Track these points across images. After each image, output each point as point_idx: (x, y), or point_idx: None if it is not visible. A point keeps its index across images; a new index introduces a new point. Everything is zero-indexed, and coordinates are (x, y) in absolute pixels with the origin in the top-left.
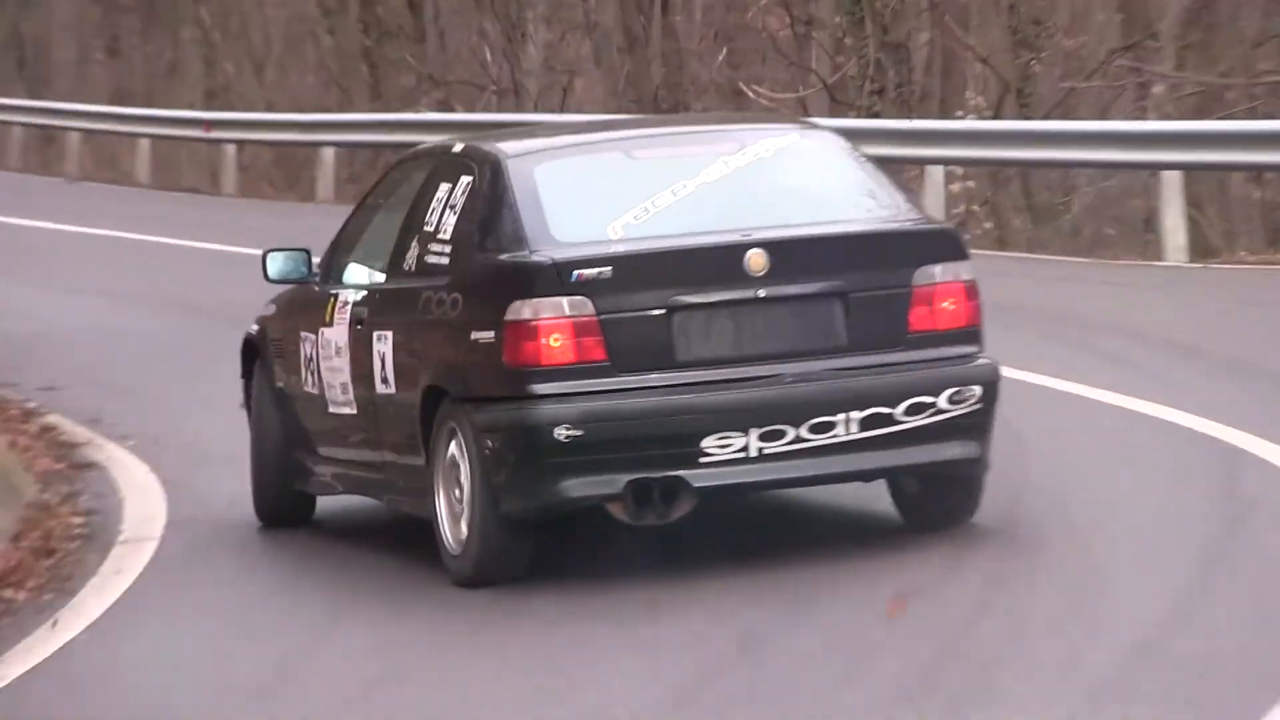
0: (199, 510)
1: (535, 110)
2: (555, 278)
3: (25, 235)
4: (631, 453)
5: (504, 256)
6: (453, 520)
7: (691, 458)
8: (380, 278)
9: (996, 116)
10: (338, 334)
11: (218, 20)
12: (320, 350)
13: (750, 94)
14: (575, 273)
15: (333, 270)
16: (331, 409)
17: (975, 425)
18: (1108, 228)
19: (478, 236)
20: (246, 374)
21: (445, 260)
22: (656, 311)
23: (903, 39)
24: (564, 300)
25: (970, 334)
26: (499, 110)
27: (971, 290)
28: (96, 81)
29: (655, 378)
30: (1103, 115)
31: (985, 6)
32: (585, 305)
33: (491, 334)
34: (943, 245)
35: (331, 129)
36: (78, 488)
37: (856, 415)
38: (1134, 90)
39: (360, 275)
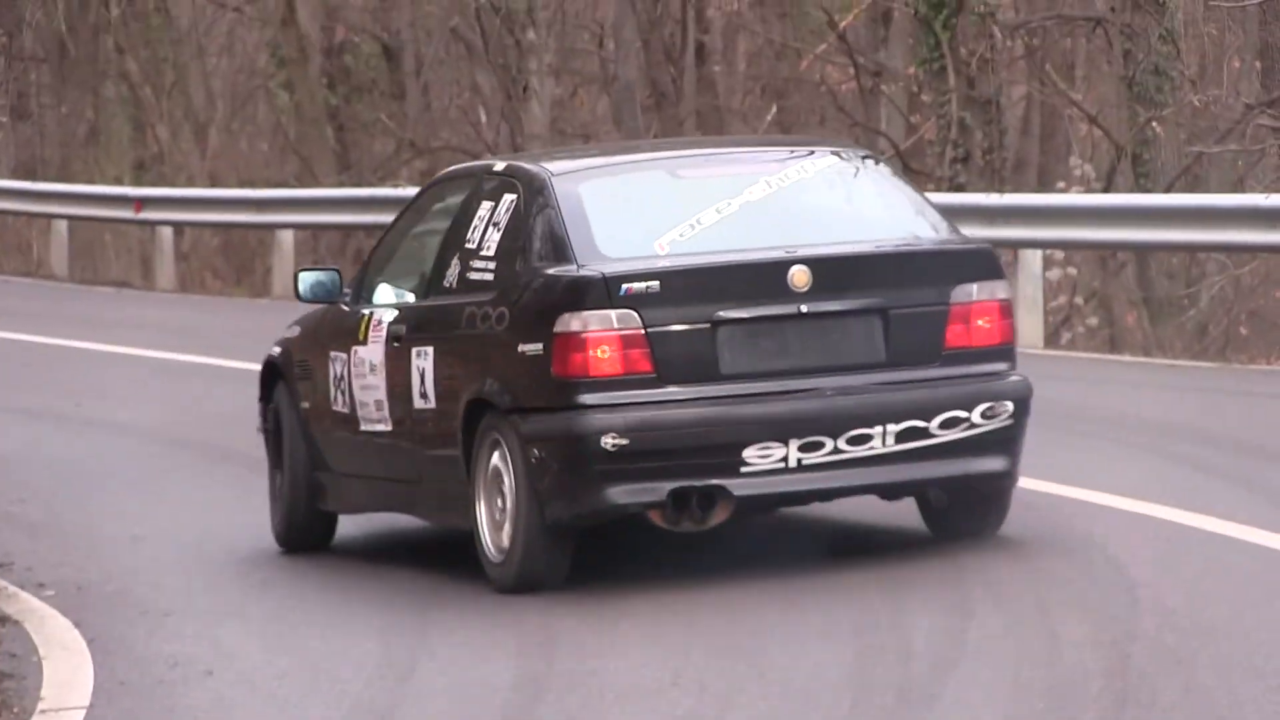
0: (133, 673)
1: None
2: (604, 291)
3: None
4: (675, 461)
5: (552, 271)
6: (494, 529)
7: (733, 467)
8: (412, 297)
9: (1107, 189)
10: (372, 352)
11: (148, 74)
12: (353, 369)
13: None
14: (624, 287)
15: (364, 290)
16: (364, 426)
17: (1006, 440)
18: (1242, 326)
19: (524, 252)
20: (265, 398)
21: (489, 276)
22: (701, 325)
23: (993, 94)
24: (612, 314)
25: (1004, 351)
26: None
27: (1006, 309)
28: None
29: (699, 389)
30: (1237, 187)
31: (1094, 54)
32: (633, 319)
33: (540, 346)
34: (980, 265)
35: (290, 207)
36: None
37: (893, 428)
38: (1276, 156)
39: (390, 294)
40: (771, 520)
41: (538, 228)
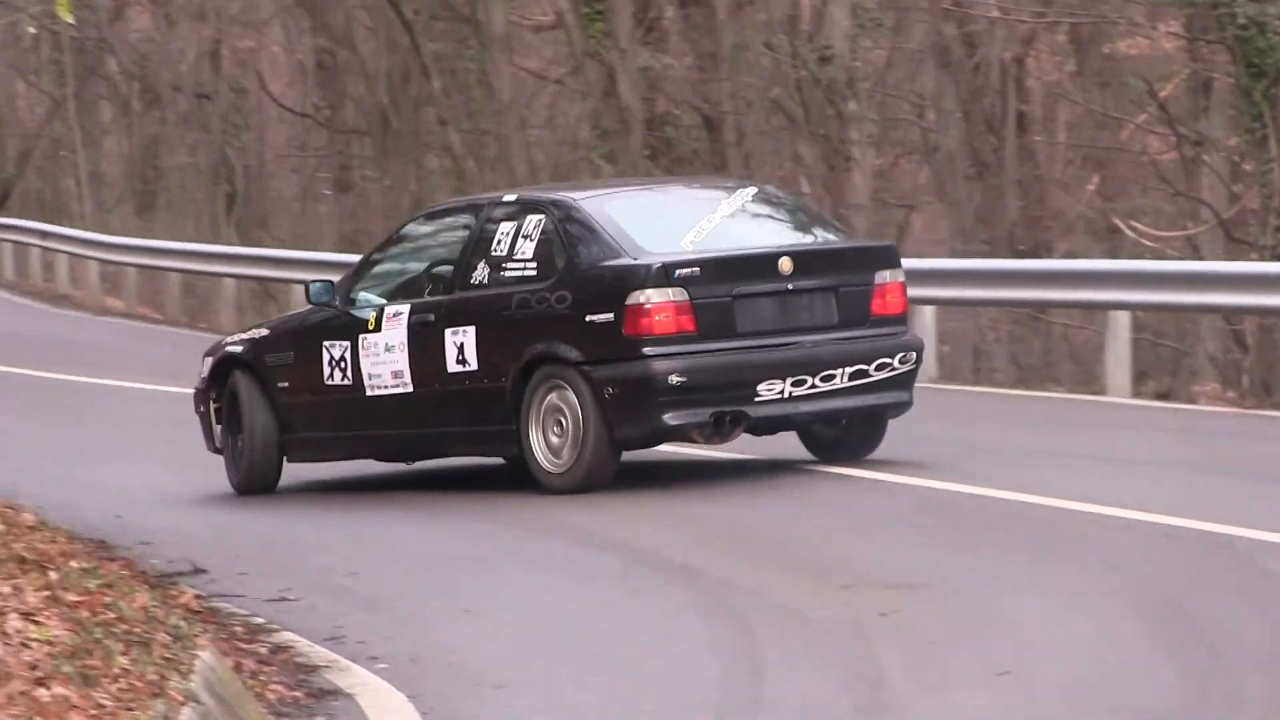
0: None
1: None
2: (664, 274)
3: None
4: (712, 393)
5: (612, 263)
6: (550, 450)
7: (750, 397)
8: (417, 295)
9: None
10: (389, 336)
11: (470, 146)
12: (361, 350)
13: (1127, 231)
14: (678, 271)
15: (353, 298)
16: (372, 392)
17: (911, 378)
18: None
19: (575, 253)
20: (216, 387)
21: (533, 272)
22: (725, 298)
23: None
24: (669, 290)
25: (903, 318)
26: None
27: (903, 288)
28: (323, 223)
29: (725, 344)
30: None
31: None
32: (682, 293)
33: (611, 315)
34: (888, 257)
35: None
36: None
37: (848, 370)
38: None
39: (376, 299)
40: None
41: (579, 235)
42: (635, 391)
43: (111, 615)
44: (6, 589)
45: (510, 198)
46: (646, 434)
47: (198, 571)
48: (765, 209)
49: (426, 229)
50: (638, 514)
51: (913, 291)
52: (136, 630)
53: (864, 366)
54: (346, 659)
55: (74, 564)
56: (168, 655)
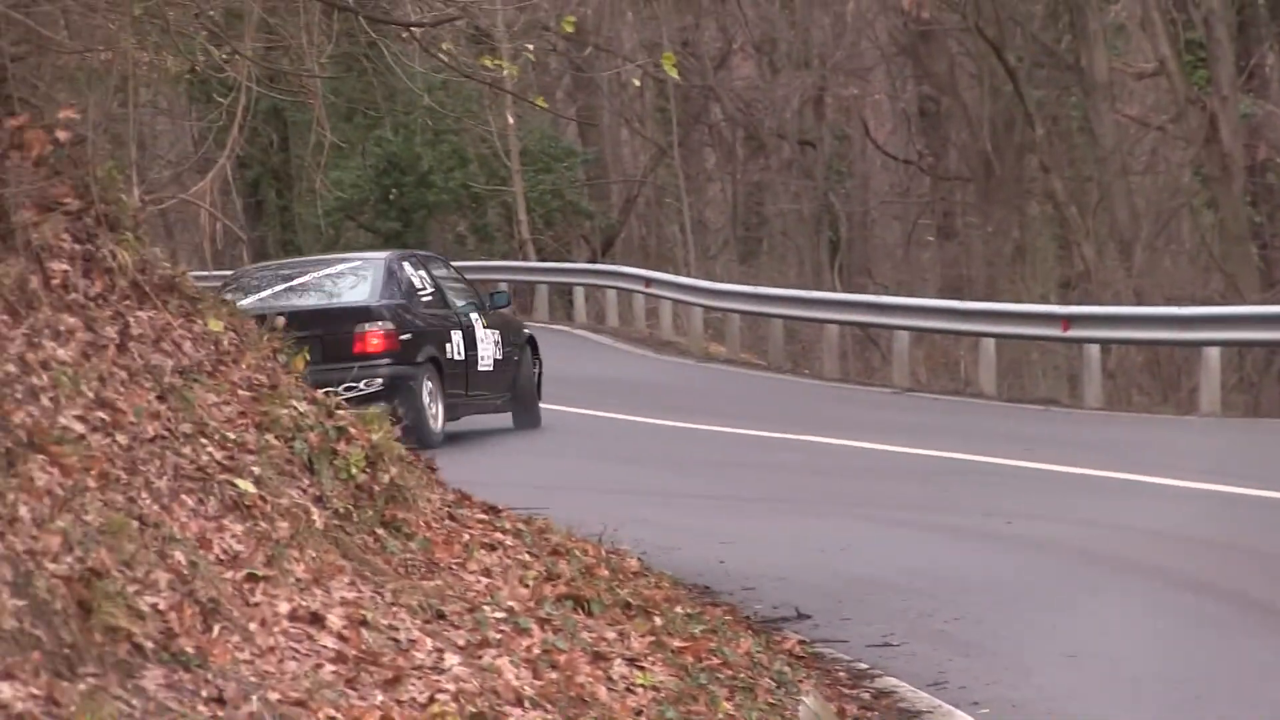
0: None
1: None
2: None
3: (847, 457)
4: None
5: None
6: None
7: None
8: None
9: None
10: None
11: (1073, 192)
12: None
13: None
14: None
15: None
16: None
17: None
18: None
19: None
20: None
21: None
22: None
23: None
24: None
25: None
26: None
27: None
28: (926, 270)
29: None
30: None
31: None
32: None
33: None
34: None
35: (1215, 324)
36: None
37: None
38: None
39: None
40: None
41: None
42: None
43: (716, 660)
44: (612, 634)
45: None
46: None
47: (801, 617)
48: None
49: None
50: (1207, 551)
51: None
52: (741, 675)
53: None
54: (949, 705)
55: (678, 609)
56: (772, 701)
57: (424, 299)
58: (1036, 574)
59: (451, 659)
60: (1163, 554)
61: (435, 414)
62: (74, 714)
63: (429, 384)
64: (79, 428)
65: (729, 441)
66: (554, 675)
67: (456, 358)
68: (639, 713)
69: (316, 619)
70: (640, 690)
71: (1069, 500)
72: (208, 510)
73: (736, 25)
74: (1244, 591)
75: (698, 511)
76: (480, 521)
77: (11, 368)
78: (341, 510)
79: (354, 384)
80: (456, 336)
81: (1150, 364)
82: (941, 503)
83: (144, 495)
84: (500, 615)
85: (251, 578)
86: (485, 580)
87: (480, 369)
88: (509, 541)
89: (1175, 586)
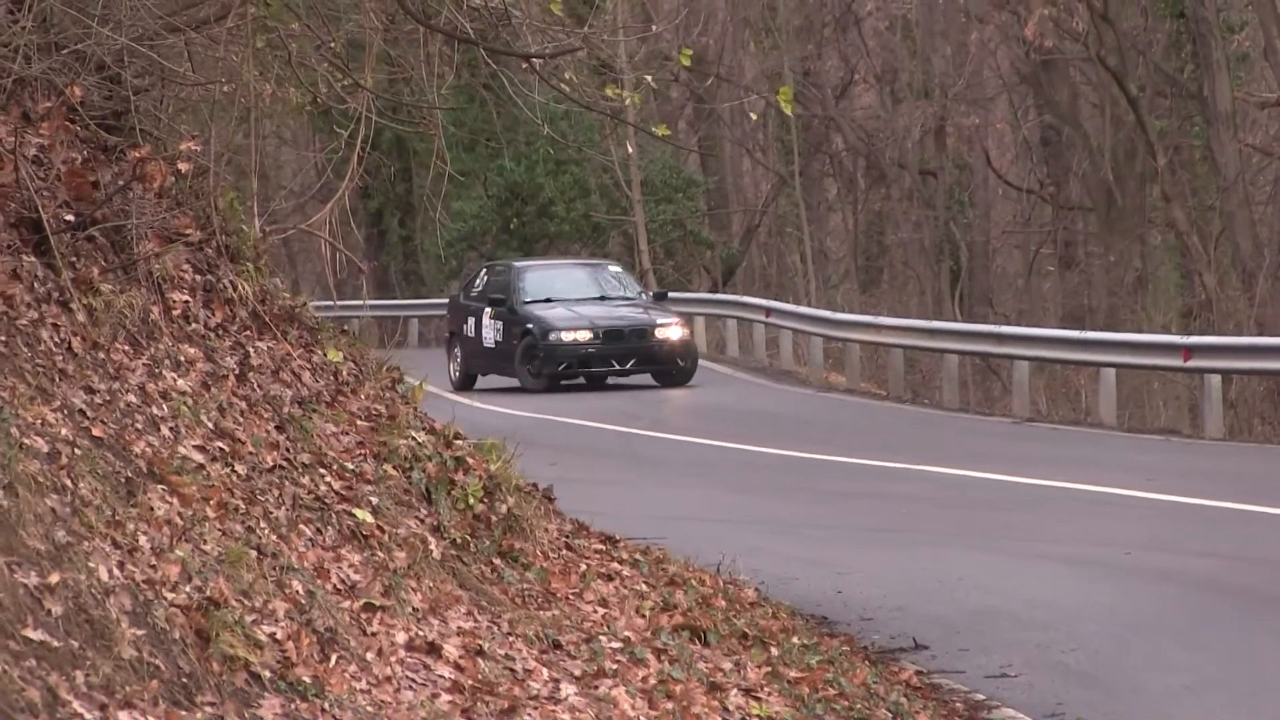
0: None
1: None
2: None
3: (966, 487)
4: None
5: None
6: None
7: None
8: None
9: None
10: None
11: (1195, 222)
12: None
13: None
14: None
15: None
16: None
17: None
18: None
19: None
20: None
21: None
22: None
23: None
24: None
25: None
26: None
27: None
28: (1047, 299)
29: None
30: None
31: None
32: None
33: None
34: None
35: None
36: None
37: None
38: None
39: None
40: None
41: None
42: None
43: (832, 691)
44: (728, 664)
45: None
46: None
47: (918, 647)
48: None
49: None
50: None
51: None
52: (857, 706)
53: None
54: None
55: (795, 640)
56: None
57: None
58: (1155, 604)
59: (567, 689)
60: (1273, 581)
61: None
62: None
63: None
64: (198, 457)
65: (848, 472)
66: (669, 706)
67: None
68: None
69: (433, 649)
70: None
71: (1189, 530)
72: (325, 540)
73: (858, 55)
74: None
75: (816, 542)
76: (597, 551)
77: (132, 398)
78: (459, 540)
79: None
80: None
81: (1272, 394)
82: (1060, 533)
83: (262, 525)
84: (616, 645)
85: (369, 607)
86: (602, 610)
87: None
88: (626, 571)
89: (1254, 606)
